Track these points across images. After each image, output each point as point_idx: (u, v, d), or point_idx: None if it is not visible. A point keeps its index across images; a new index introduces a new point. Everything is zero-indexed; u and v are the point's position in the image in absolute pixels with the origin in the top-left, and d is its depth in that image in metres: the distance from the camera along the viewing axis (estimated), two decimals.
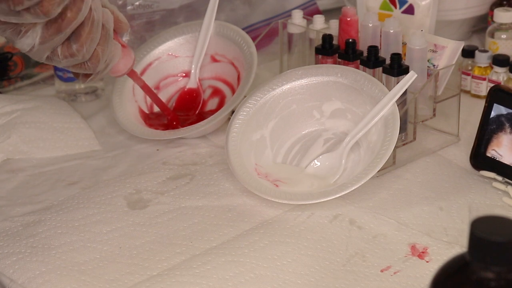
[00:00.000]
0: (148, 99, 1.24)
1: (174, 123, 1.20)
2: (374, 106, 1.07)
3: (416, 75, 1.07)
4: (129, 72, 1.09)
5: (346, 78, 1.11)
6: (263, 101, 1.12)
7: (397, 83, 1.08)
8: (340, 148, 1.08)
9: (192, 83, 1.26)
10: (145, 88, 1.16)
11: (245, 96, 1.14)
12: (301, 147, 1.12)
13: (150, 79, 1.25)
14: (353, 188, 1.01)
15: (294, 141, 1.12)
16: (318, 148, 1.11)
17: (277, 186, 1.05)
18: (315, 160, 1.09)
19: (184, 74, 1.27)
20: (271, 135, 1.11)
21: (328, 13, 1.40)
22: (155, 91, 1.25)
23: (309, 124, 1.13)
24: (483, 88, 1.28)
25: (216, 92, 1.25)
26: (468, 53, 1.30)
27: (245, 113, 1.11)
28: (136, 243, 0.98)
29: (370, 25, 1.17)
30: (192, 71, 1.25)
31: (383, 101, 1.06)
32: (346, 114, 1.12)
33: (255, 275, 0.91)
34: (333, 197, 1.01)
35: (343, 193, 1.01)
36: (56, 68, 1.32)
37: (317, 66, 1.14)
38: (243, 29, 1.26)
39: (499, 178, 1.06)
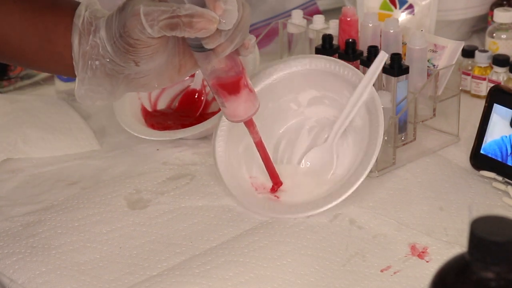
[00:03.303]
0: (152, 96, 1.24)
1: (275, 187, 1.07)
2: (350, 90, 1.07)
3: (387, 55, 1.07)
4: (248, 120, 0.99)
5: (317, 66, 1.10)
6: None
7: (398, 82, 1.08)
8: (328, 141, 1.08)
9: (196, 84, 1.26)
10: (260, 145, 1.02)
11: None
12: (287, 143, 1.11)
13: None
14: (356, 186, 1.01)
15: (278, 139, 1.11)
16: (304, 139, 1.11)
17: (278, 198, 1.05)
18: (305, 160, 1.08)
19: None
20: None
21: (328, 13, 1.40)
22: (160, 89, 1.25)
23: (289, 117, 1.12)
24: (483, 88, 1.28)
25: None
26: (468, 53, 1.30)
27: (224, 127, 1.09)
28: (136, 243, 0.98)
29: (370, 25, 1.17)
30: (197, 71, 1.25)
31: (360, 86, 1.06)
32: (323, 101, 1.11)
33: (255, 275, 0.91)
34: (336, 202, 1.01)
35: (346, 195, 1.01)
36: None
37: (285, 59, 1.13)
38: None
39: (499, 178, 1.06)
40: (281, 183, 1.05)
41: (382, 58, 1.07)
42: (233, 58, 0.93)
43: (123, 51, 0.87)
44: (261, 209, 1.02)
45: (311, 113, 1.12)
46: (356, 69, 1.08)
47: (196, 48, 0.90)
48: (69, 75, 0.93)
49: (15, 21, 0.91)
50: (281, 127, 1.12)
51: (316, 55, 1.13)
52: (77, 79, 0.91)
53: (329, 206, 1.01)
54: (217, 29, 0.85)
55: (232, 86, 0.94)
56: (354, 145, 1.07)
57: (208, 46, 0.87)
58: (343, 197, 1.01)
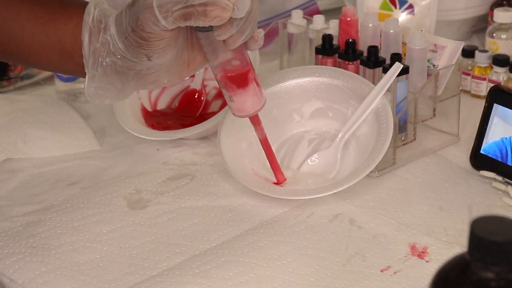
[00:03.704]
0: (152, 96, 1.24)
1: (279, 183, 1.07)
2: (358, 100, 1.08)
3: (402, 66, 1.08)
4: (254, 116, 0.99)
5: (324, 77, 1.11)
6: None
7: (398, 82, 1.09)
8: (333, 144, 1.08)
9: (196, 84, 1.26)
10: (264, 142, 1.02)
11: None
12: (287, 150, 1.11)
13: None
14: (359, 179, 1.01)
15: (279, 145, 1.12)
16: (304, 149, 1.11)
17: (281, 186, 1.05)
18: (313, 158, 1.09)
19: None
20: (257, 141, 1.10)
21: (328, 13, 1.40)
22: (160, 89, 1.25)
23: (290, 128, 1.13)
24: (483, 88, 1.28)
25: (220, 94, 1.25)
26: (468, 53, 1.30)
27: (229, 121, 1.10)
28: (136, 243, 0.98)
29: (370, 25, 1.17)
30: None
31: (372, 94, 1.07)
32: (327, 113, 1.12)
33: (255, 275, 0.91)
34: (340, 189, 1.01)
35: (348, 185, 1.01)
36: None
37: (294, 68, 1.15)
38: None
39: (499, 178, 1.06)
40: (284, 179, 1.05)
41: (396, 68, 1.07)
42: (241, 51, 0.93)
43: (136, 45, 0.87)
44: (265, 191, 1.02)
45: (312, 126, 1.13)
46: (365, 80, 1.09)
47: (202, 29, 0.90)
48: (78, 74, 0.93)
49: (23, 20, 0.92)
50: (282, 136, 1.12)
51: (324, 66, 1.14)
52: (87, 76, 0.91)
53: (336, 190, 1.01)
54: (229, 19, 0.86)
55: (241, 79, 0.95)
56: (356, 151, 1.07)
57: (220, 37, 0.88)
58: (350, 184, 1.01)
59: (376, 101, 1.07)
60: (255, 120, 1.00)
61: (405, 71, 1.10)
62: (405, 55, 1.14)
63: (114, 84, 0.91)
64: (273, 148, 1.09)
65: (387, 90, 1.10)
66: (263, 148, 1.03)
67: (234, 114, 0.99)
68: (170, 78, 0.93)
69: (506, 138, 1.06)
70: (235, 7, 0.85)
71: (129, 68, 0.90)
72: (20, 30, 0.92)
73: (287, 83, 1.13)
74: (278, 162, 1.07)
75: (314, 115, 1.13)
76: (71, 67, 0.93)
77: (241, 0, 0.86)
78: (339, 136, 1.08)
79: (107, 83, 0.91)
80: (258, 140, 1.04)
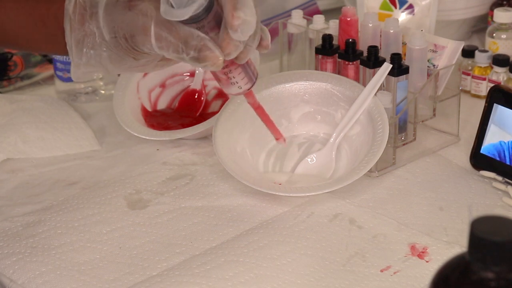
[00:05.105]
0: (152, 96, 1.24)
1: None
2: (348, 102, 1.09)
3: (391, 66, 1.08)
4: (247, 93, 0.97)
5: (312, 81, 1.12)
6: (236, 113, 1.10)
7: (398, 82, 1.09)
8: (327, 145, 1.08)
9: (196, 84, 1.26)
10: (258, 109, 1.00)
11: None
12: (277, 155, 1.11)
13: (156, 77, 1.25)
14: (363, 173, 1.02)
15: (268, 151, 1.11)
16: (295, 153, 1.11)
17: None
18: (309, 159, 1.09)
19: (190, 74, 1.27)
20: (249, 146, 1.10)
21: (328, 13, 1.40)
22: (160, 89, 1.25)
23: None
24: (483, 88, 1.29)
25: (220, 94, 1.25)
26: (468, 53, 1.30)
27: (222, 125, 1.09)
28: (136, 243, 0.98)
29: (370, 25, 1.17)
30: (197, 71, 1.25)
31: (364, 93, 1.08)
32: (315, 116, 1.12)
33: (255, 275, 0.91)
34: (345, 184, 1.01)
35: (353, 180, 1.01)
36: (56, 68, 1.32)
37: (280, 74, 1.15)
38: None
39: (499, 178, 1.06)
40: (281, 135, 1.02)
41: (385, 69, 1.08)
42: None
43: (125, 50, 0.86)
44: (269, 189, 1.02)
45: (300, 130, 1.13)
46: (354, 81, 1.10)
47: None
48: (67, 55, 0.91)
49: (8, 8, 0.90)
50: (271, 141, 1.11)
51: (312, 70, 1.14)
52: (72, 63, 0.89)
53: (340, 186, 1.01)
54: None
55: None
56: (350, 153, 1.08)
57: (228, 58, 0.85)
58: (354, 178, 1.01)
59: (369, 100, 1.07)
60: (246, 95, 0.97)
61: (405, 71, 1.10)
62: (405, 55, 1.14)
63: (100, 70, 0.89)
64: (263, 155, 1.10)
65: (387, 90, 1.10)
66: (257, 114, 1.00)
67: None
68: (160, 68, 0.91)
69: (505, 142, 1.06)
70: (238, 30, 0.82)
71: (115, 61, 0.88)
72: (7, 18, 0.91)
73: (275, 88, 1.13)
74: (270, 166, 1.08)
75: (302, 119, 1.13)
76: (59, 49, 0.91)
77: (246, 23, 0.82)
78: (333, 136, 1.08)
79: (92, 69, 0.89)
80: (249, 146, 1.06)
